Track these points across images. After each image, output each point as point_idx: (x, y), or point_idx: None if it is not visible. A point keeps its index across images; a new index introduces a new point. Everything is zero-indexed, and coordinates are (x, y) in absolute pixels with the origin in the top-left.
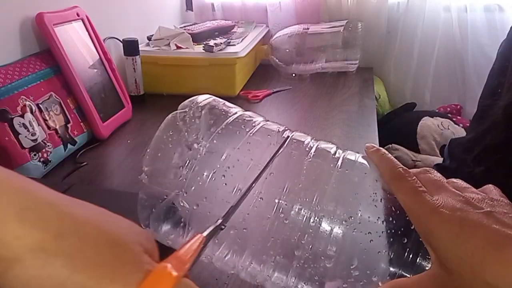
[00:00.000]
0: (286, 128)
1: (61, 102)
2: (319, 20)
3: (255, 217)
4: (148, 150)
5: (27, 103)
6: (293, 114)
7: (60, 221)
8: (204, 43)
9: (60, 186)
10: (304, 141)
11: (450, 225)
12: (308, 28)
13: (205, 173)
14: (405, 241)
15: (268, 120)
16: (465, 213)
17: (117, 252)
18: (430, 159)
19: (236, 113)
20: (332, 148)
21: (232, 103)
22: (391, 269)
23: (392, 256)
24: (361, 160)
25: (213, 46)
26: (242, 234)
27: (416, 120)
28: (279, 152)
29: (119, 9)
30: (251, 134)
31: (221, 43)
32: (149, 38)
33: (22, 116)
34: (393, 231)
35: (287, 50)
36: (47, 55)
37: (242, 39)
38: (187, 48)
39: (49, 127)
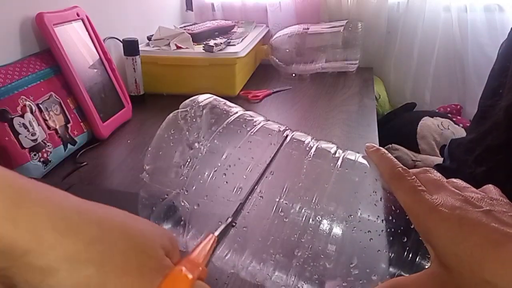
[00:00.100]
0: (287, 128)
1: (61, 102)
2: (319, 20)
3: (255, 216)
4: (149, 149)
5: (27, 103)
6: (293, 114)
7: (89, 229)
8: (204, 43)
9: (60, 186)
10: (304, 141)
11: (449, 224)
12: (308, 28)
13: (206, 172)
14: (405, 240)
15: (268, 120)
16: (464, 211)
17: (143, 259)
18: (430, 159)
19: (237, 112)
20: (332, 148)
21: (232, 103)
22: (391, 268)
23: (391, 255)
24: (361, 159)
25: (213, 46)
26: (242, 233)
27: (416, 120)
28: (281, 148)
29: (119, 9)
30: (252, 134)
31: (221, 43)
32: (149, 38)
33: (22, 116)
34: (392, 230)
35: (287, 50)
36: (47, 55)
37: (242, 39)
38: (187, 48)
39: (49, 127)
